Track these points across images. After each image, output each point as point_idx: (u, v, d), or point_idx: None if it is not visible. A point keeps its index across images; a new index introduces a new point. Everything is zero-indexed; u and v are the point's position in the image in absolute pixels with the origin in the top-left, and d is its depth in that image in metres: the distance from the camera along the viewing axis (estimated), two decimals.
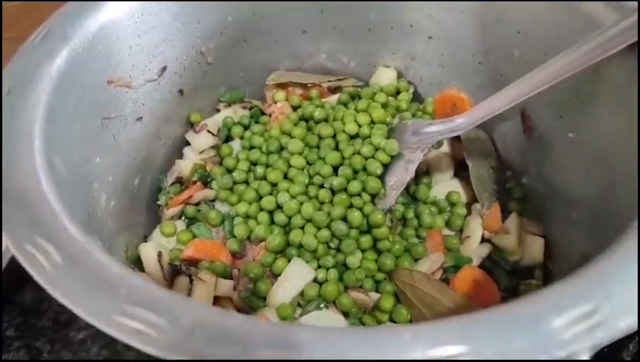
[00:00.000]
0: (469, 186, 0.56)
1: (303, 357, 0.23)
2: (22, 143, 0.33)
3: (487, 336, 0.24)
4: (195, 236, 0.53)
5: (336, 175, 0.52)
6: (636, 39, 0.37)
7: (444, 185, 0.57)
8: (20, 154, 0.32)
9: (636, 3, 0.37)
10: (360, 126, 0.54)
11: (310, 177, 0.53)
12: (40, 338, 0.54)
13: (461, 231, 0.54)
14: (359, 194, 0.50)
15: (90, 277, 0.25)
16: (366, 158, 0.51)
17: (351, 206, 0.50)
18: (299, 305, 0.47)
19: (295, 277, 0.47)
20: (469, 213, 0.55)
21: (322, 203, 0.51)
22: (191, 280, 0.48)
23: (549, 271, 0.50)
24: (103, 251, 0.27)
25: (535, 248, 0.51)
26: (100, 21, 0.45)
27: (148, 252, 0.48)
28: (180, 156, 0.60)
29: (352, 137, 0.55)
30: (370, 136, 0.53)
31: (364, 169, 0.51)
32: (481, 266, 0.51)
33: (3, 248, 0.54)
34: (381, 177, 0.51)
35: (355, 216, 0.48)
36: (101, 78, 0.46)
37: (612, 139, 0.41)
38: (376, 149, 0.51)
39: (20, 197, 0.29)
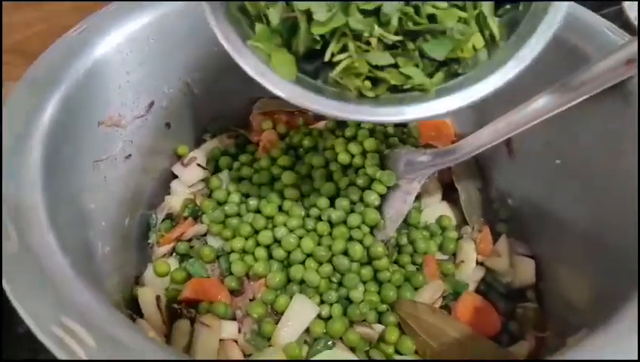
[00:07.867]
0: (457, 208, 0.57)
1: None
2: (29, 213, 0.31)
3: None
4: (189, 274, 0.51)
5: (333, 206, 0.52)
6: (630, 75, 0.37)
7: (434, 209, 0.58)
8: (30, 225, 0.30)
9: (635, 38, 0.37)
10: (353, 156, 0.54)
11: (306, 209, 0.53)
12: None
13: (454, 254, 0.55)
14: (358, 226, 0.50)
15: None
16: (362, 189, 0.51)
17: (350, 238, 0.50)
18: (305, 342, 0.46)
19: (299, 315, 0.46)
20: (459, 235, 0.56)
21: (321, 236, 0.50)
22: (192, 323, 0.47)
23: (539, 291, 0.52)
24: (137, 329, 0.26)
25: (526, 270, 0.52)
26: (91, 58, 0.43)
27: (146, 296, 0.47)
28: (168, 189, 0.58)
29: (345, 167, 0.55)
30: (364, 167, 0.53)
31: (361, 199, 0.51)
32: (476, 290, 0.52)
33: None
34: (378, 207, 0.51)
35: (357, 249, 0.48)
36: (93, 120, 0.44)
37: (602, 172, 0.42)
38: (372, 180, 0.52)
39: (40, 274, 0.28)
